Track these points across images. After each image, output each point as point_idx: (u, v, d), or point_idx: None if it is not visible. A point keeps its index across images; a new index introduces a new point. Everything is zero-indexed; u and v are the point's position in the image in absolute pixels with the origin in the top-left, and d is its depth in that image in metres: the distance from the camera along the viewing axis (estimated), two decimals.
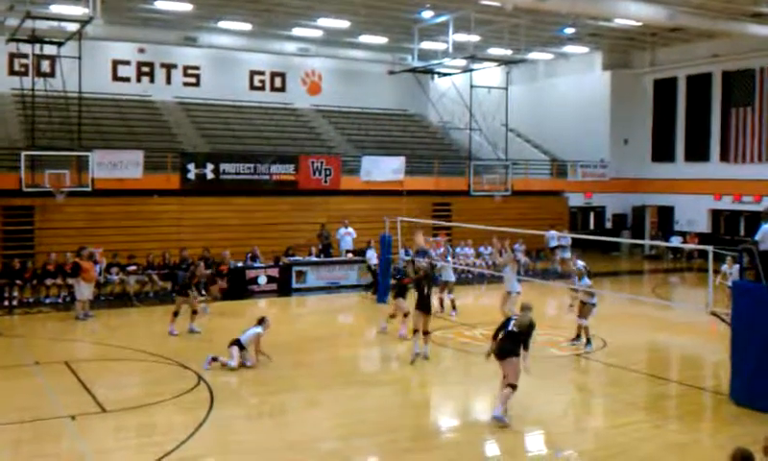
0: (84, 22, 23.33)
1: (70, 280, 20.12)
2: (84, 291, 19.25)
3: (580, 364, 15.13)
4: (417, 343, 14.97)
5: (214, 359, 14.21)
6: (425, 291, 14.93)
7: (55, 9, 25.52)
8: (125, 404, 11.83)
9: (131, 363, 15.03)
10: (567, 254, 28.09)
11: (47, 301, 21.31)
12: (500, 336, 11.50)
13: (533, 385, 13.38)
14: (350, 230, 26.59)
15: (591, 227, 37.10)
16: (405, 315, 16.89)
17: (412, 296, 16.13)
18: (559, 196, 35.32)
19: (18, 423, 10.89)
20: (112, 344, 16.42)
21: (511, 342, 11.30)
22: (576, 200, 36.01)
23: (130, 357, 15.34)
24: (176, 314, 17.30)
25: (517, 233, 25.41)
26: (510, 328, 11.41)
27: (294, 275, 23.96)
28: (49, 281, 21.51)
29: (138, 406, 11.78)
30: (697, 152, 35.02)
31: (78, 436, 10.48)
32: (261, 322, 14.83)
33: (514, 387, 11.21)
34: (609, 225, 36.90)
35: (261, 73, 37.18)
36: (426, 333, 15.01)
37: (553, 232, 28.28)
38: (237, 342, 14.39)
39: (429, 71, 34.73)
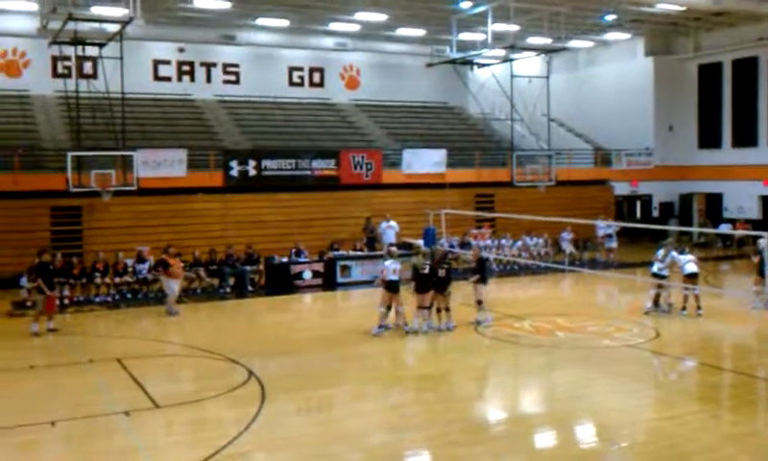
0: (125, 23, 23.57)
1: (161, 277, 20.05)
2: (174, 287, 19.47)
3: (632, 355, 14.84)
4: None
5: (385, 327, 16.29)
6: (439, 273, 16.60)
7: (96, 10, 25.81)
8: (177, 400, 11.92)
9: (182, 359, 15.18)
10: (614, 244, 27.82)
11: (97, 299, 21.62)
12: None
13: (585, 377, 13.21)
14: (392, 223, 26.47)
15: (638, 215, 36.55)
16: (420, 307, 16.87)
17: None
18: (604, 185, 34.85)
19: (72, 419, 11.00)
20: (163, 340, 16.64)
21: None
22: (622, 188, 35.52)
23: (180, 353, 15.50)
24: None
25: (563, 223, 25.24)
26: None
27: (339, 269, 23.93)
28: (98, 280, 21.82)
29: (190, 402, 11.85)
30: (745, 137, 34.30)
31: (131, 431, 10.56)
32: (390, 254, 17.07)
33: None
34: (656, 213, 36.33)
35: (300, 69, 37.25)
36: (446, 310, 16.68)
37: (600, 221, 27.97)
38: (391, 285, 16.30)
39: (468, 62, 34.45)
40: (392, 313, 16.76)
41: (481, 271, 17.39)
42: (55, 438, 10.42)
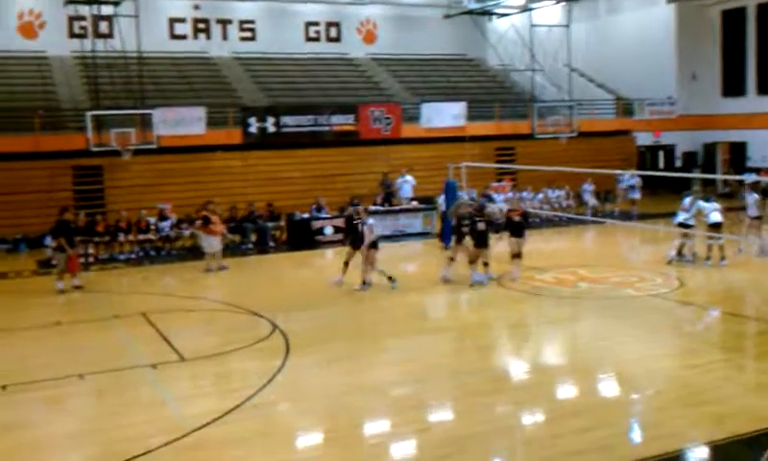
0: None
1: (200, 233, 20.08)
2: (214, 244, 19.49)
3: (656, 305, 14.78)
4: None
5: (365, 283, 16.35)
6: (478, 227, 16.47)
7: None
8: (203, 353, 12.04)
9: (206, 313, 15.34)
10: (637, 195, 27.60)
11: (121, 257, 21.84)
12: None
13: (608, 327, 13.19)
14: (408, 177, 26.30)
15: (661, 166, 36.14)
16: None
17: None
18: (626, 135, 34.45)
19: (99, 372, 11.16)
20: (186, 295, 16.79)
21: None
22: (644, 139, 35.10)
23: (205, 308, 15.65)
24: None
25: (585, 174, 25.06)
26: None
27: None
28: (122, 238, 22.02)
29: (216, 354, 11.98)
30: None
31: (158, 384, 10.71)
32: (366, 212, 17.07)
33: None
34: (679, 163, 35.92)
35: (316, 24, 36.95)
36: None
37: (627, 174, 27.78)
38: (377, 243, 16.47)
39: (487, 12, 33.99)
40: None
41: (526, 225, 17.38)
42: (83, 391, 10.60)
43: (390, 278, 16.51)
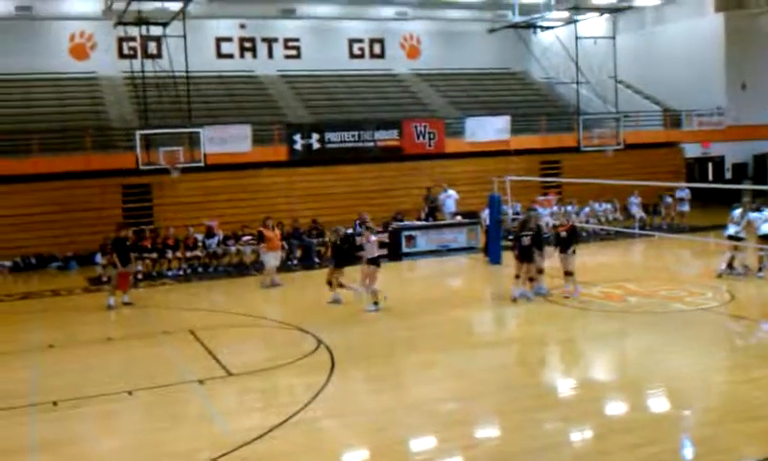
0: (187, 1, 23.87)
1: (257, 249, 20.51)
2: (270, 260, 19.66)
3: (706, 318, 14.48)
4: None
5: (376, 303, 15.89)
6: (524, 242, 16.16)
7: None
8: (249, 368, 12.12)
9: (252, 329, 15.44)
10: (686, 208, 27.16)
11: (169, 273, 22.14)
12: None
13: (657, 341, 12.95)
14: (450, 192, 26.25)
15: (710, 178, 35.49)
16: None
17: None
18: (674, 147, 33.90)
19: (148, 388, 11.30)
20: (233, 311, 16.93)
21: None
22: (693, 150, 34.51)
23: (251, 324, 15.76)
24: None
25: (632, 187, 24.75)
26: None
27: (404, 239, 23.94)
28: (170, 255, 22.33)
29: (262, 370, 12.05)
30: None
31: (206, 399, 10.81)
32: (369, 229, 16.87)
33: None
34: (728, 175, 35.23)
35: (360, 41, 37.18)
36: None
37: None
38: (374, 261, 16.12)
39: (531, 26, 33.81)
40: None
41: (575, 240, 16.87)
42: (132, 407, 10.74)
43: (384, 297, 16.22)
